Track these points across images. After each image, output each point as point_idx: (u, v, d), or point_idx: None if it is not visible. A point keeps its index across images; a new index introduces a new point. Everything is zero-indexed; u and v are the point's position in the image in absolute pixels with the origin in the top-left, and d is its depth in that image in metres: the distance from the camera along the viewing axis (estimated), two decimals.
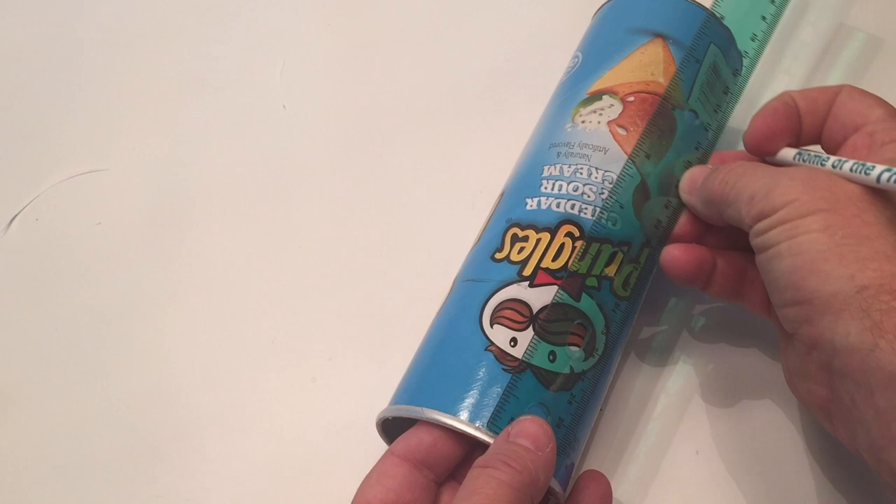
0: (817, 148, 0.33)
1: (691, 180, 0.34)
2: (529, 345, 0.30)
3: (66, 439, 0.39)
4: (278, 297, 0.42)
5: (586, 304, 0.32)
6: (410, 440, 0.30)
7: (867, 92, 0.32)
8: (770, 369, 0.36)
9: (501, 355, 0.30)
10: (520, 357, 0.30)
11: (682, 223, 0.34)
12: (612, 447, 0.35)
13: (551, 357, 0.31)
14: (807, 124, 0.32)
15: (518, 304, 0.31)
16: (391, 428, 0.32)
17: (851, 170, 0.28)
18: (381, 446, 0.35)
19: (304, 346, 0.40)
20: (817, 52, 0.44)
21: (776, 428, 0.35)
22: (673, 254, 0.33)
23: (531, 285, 0.31)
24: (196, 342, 0.41)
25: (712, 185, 0.32)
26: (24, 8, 0.55)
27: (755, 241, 0.29)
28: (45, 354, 0.42)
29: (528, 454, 0.27)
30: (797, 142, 0.33)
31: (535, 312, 0.31)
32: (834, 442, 0.33)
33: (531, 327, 0.31)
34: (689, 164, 0.35)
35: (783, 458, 0.34)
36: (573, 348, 0.31)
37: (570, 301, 0.31)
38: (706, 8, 0.37)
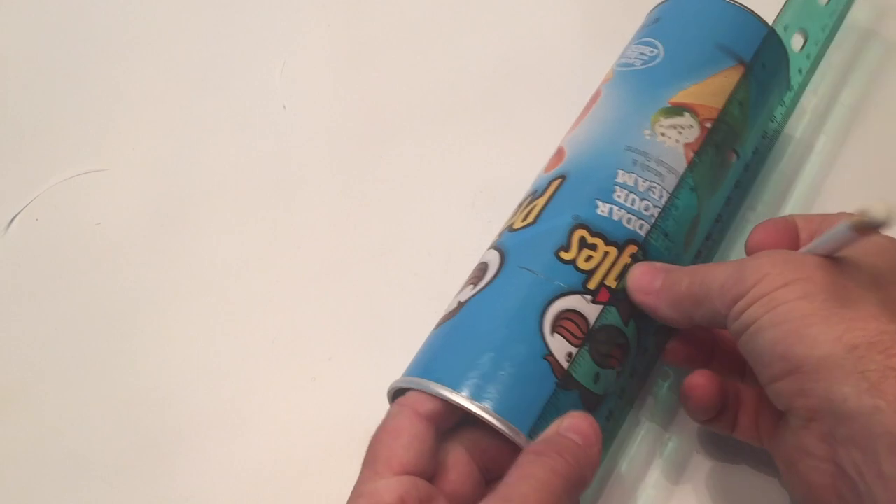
0: None
1: (647, 283, 0.32)
2: (582, 363, 0.30)
3: (65, 439, 0.39)
4: (278, 298, 0.42)
5: (631, 329, 0.32)
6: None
7: None
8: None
9: (557, 367, 0.30)
10: (571, 373, 0.30)
11: (675, 345, 0.33)
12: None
13: (595, 378, 0.31)
14: (803, 241, 0.32)
15: (579, 317, 0.31)
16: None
17: (819, 244, 0.28)
18: None
19: (304, 346, 0.40)
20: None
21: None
22: (697, 382, 0.31)
23: (594, 301, 0.31)
24: (196, 342, 0.41)
25: (680, 289, 0.31)
26: (23, 8, 0.55)
27: (734, 326, 0.28)
28: (44, 354, 0.42)
29: (579, 450, 0.27)
30: None
31: (591, 329, 0.31)
32: None
33: (586, 345, 0.30)
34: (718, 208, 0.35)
35: None
36: (610, 371, 0.31)
37: (621, 325, 0.31)
38: (787, 49, 0.37)
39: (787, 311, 0.27)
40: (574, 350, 0.30)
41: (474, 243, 0.38)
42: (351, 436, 0.36)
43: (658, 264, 0.32)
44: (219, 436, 0.38)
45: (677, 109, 0.34)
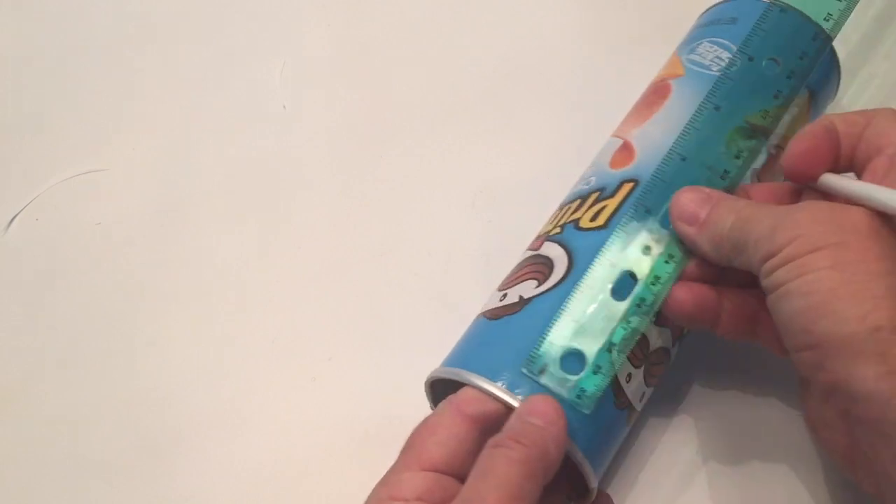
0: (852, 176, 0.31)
1: (691, 211, 0.30)
2: (636, 383, 0.30)
3: (65, 439, 0.39)
4: (278, 298, 0.42)
5: (675, 349, 0.32)
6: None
7: None
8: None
9: (615, 387, 0.30)
10: (626, 392, 0.30)
11: (693, 264, 0.31)
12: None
13: (641, 397, 0.31)
14: (844, 148, 0.30)
15: (642, 338, 0.30)
16: (442, 386, 0.31)
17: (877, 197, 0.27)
18: (378, 447, 0.35)
19: (304, 346, 0.40)
20: None
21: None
22: (677, 296, 0.30)
23: (656, 322, 0.31)
24: (196, 342, 0.41)
25: (723, 228, 0.29)
26: (23, 8, 0.55)
27: (764, 283, 0.28)
28: (44, 354, 0.42)
29: (539, 431, 0.27)
30: (836, 167, 0.31)
31: (650, 351, 0.31)
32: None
33: (643, 366, 0.30)
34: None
35: None
36: (651, 389, 0.32)
37: (671, 347, 0.32)
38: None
39: (814, 281, 0.26)
40: (632, 370, 0.30)
41: (474, 243, 0.38)
42: (351, 436, 0.36)
43: (707, 190, 0.31)
44: (219, 436, 0.38)
45: (752, 132, 0.33)
